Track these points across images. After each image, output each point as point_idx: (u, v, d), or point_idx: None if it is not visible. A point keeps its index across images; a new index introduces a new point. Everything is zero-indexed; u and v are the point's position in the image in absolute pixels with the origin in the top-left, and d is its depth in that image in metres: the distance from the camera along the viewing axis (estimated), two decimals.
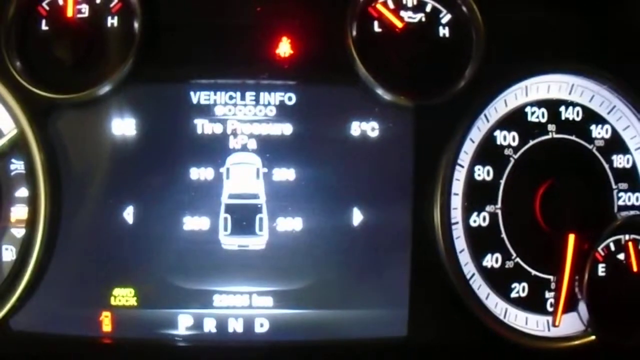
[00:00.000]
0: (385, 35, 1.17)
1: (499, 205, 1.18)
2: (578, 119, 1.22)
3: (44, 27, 1.14)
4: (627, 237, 1.20)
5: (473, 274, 1.18)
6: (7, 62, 1.11)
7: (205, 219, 1.13)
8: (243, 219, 1.14)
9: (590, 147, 1.21)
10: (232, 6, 1.17)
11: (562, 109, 1.21)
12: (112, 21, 1.14)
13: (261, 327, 1.15)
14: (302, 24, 1.16)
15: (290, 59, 1.16)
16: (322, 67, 1.16)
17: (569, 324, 1.19)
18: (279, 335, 1.15)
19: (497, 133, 1.19)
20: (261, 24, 1.16)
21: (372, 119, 1.15)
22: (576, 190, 1.17)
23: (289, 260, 1.14)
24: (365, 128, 1.16)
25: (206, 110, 1.15)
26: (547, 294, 1.19)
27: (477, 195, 1.18)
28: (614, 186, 1.22)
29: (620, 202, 1.22)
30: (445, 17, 1.19)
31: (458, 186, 1.18)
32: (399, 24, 1.16)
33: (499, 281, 1.19)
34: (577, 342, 1.19)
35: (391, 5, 1.18)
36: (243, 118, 1.15)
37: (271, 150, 1.15)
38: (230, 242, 1.14)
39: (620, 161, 1.22)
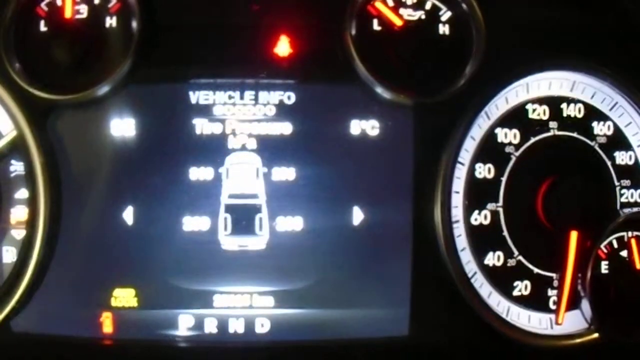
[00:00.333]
0: (385, 34, 1.16)
1: (501, 203, 1.18)
2: (580, 115, 1.21)
3: (43, 28, 1.13)
4: (630, 234, 1.19)
5: (475, 273, 1.17)
6: (6, 63, 1.10)
7: (205, 219, 1.13)
8: (243, 218, 1.13)
9: (592, 144, 1.21)
10: (231, 6, 1.16)
11: (564, 106, 1.21)
12: (111, 21, 1.14)
13: (262, 327, 1.15)
14: (300, 23, 1.16)
15: (289, 58, 1.15)
16: (321, 65, 1.16)
17: (572, 322, 1.18)
18: (280, 336, 1.15)
19: (498, 130, 1.19)
20: (260, 23, 1.16)
21: (372, 118, 1.15)
22: (578, 187, 1.16)
23: (289, 260, 1.14)
24: (365, 127, 1.15)
25: (205, 110, 1.14)
26: (550, 292, 1.19)
27: (478, 193, 1.18)
28: (616, 183, 1.21)
29: (623, 199, 1.21)
30: (445, 15, 1.18)
31: (459, 184, 1.17)
32: (399, 22, 1.16)
33: (501, 279, 1.18)
34: (580, 340, 1.18)
35: (390, 3, 1.17)
36: (242, 118, 1.15)
37: (271, 150, 1.14)
38: (230, 242, 1.13)
39: (622, 158, 1.22)
